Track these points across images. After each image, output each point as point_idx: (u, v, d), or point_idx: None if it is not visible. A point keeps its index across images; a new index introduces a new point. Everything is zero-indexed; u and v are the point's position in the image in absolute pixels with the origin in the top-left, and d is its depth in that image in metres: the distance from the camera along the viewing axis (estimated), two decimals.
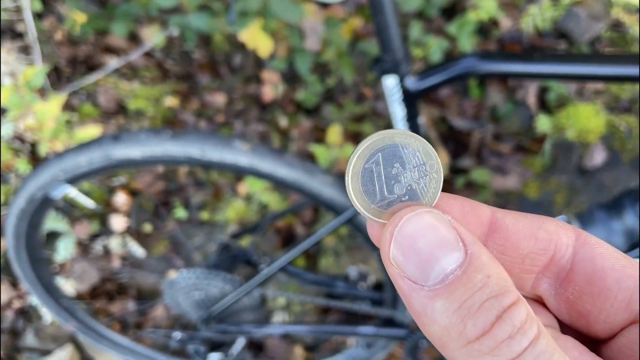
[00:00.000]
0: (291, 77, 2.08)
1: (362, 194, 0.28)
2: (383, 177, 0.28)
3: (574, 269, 0.29)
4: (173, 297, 1.32)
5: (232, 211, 1.79)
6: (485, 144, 2.04)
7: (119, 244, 1.74)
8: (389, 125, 2.00)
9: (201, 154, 1.00)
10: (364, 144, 0.28)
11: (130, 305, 1.76)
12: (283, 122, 2.00)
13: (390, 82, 0.86)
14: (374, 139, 0.28)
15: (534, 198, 1.90)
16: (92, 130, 1.56)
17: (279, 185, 1.04)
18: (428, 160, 0.28)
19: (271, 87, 2.04)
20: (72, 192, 1.12)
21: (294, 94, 2.05)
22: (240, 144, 1.01)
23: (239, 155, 1.00)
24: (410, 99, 0.88)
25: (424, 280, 0.25)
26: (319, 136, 1.96)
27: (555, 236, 0.29)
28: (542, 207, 1.88)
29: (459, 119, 2.08)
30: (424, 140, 0.28)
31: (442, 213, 0.26)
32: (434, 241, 0.25)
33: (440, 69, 0.86)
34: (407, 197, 0.28)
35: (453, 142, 2.08)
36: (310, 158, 1.91)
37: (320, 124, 1.99)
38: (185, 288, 1.27)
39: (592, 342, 0.30)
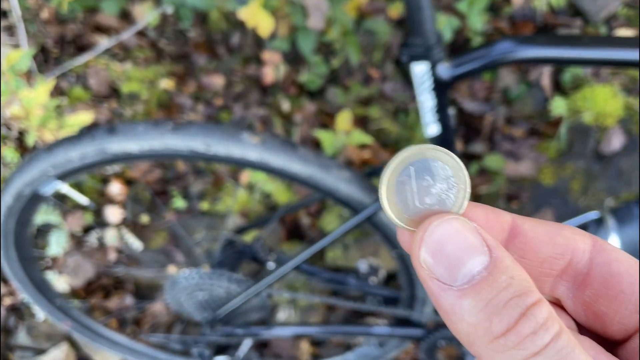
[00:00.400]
0: (293, 58, 1.97)
1: (396, 205, 0.30)
2: (415, 189, 0.30)
3: (590, 273, 0.31)
4: (174, 298, 1.23)
5: (234, 201, 1.70)
6: (497, 127, 1.95)
7: (115, 236, 1.65)
8: (397, 109, 1.90)
9: (206, 148, 0.90)
10: (398, 159, 0.29)
11: (128, 300, 1.67)
12: (285, 105, 1.90)
13: (420, 69, 0.77)
14: (407, 154, 0.29)
15: (549, 184, 1.82)
16: (83, 117, 1.45)
17: (291, 180, 0.95)
18: (456, 173, 0.29)
19: (272, 69, 1.93)
20: (64, 188, 1.02)
21: (296, 76, 1.94)
22: (249, 137, 0.91)
23: (247, 149, 0.90)
24: (442, 88, 0.79)
25: (452, 281, 0.27)
26: (323, 121, 1.86)
27: (572, 242, 0.30)
28: (558, 194, 1.80)
29: (469, 102, 1.99)
30: (453, 154, 0.30)
31: (468, 220, 0.28)
32: (461, 245, 0.27)
33: (475, 55, 0.76)
34: (436, 206, 0.30)
35: (463, 125, 1.99)
36: (315, 144, 1.81)
37: (324, 108, 1.89)
38: (188, 288, 1.18)
39: (609, 344, 0.32)
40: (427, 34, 0.72)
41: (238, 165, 0.94)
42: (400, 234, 0.31)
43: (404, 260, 1.10)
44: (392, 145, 1.81)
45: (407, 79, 1.97)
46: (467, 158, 1.90)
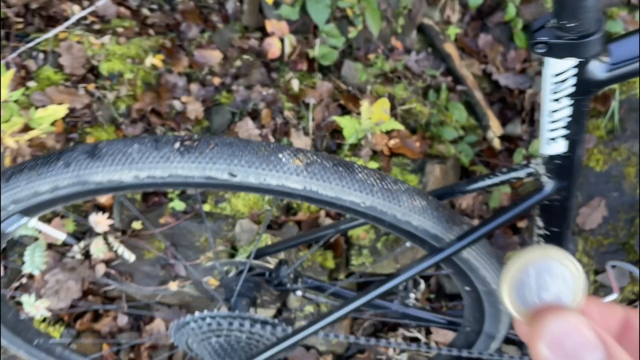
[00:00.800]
0: (303, 28, 1.68)
1: (515, 300, 0.32)
2: (534, 286, 0.32)
3: None
4: (182, 342, 1.00)
5: (241, 202, 1.44)
6: (536, 104, 1.70)
7: (102, 247, 1.39)
8: (427, 86, 1.63)
9: (229, 175, 0.64)
10: (520, 260, 0.32)
11: (122, 321, 1.43)
12: (295, 84, 1.62)
13: (562, 66, 0.51)
14: (528, 257, 0.32)
15: (600, 170, 1.59)
16: (55, 110, 1.18)
17: (345, 212, 0.70)
18: (572, 273, 0.31)
19: (278, 41, 1.64)
20: (32, 223, 0.76)
21: (307, 49, 1.66)
22: (289, 158, 0.65)
23: (287, 175, 0.65)
24: (588, 93, 0.53)
25: None
26: (341, 101, 1.59)
27: None
28: (611, 182, 1.58)
29: (504, 75, 1.73)
30: (570, 255, 0.32)
31: (583, 316, 0.29)
32: (578, 341, 0.28)
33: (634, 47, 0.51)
34: (554, 302, 0.32)
35: (499, 102, 1.73)
36: (333, 132, 1.55)
37: (341, 86, 1.62)
38: (199, 334, 0.94)
39: None
40: (585, 15, 0.46)
41: (273, 195, 0.68)
42: (519, 326, 0.32)
43: (478, 295, 0.87)
44: (421, 129, 1.55)
45: (435, 50, 1.70)
46: (508, 141, 1.65)
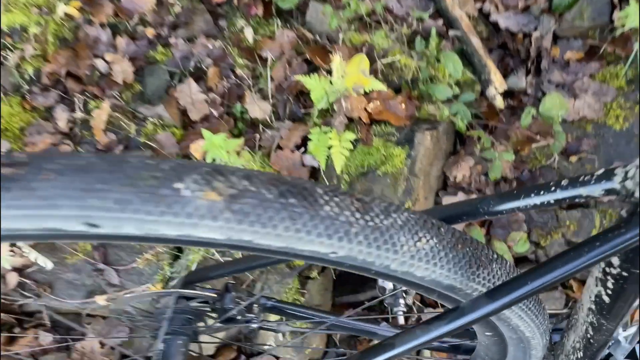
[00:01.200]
0: None
1: None
2: None
3: None
4: None
5: None
6: (543, 48, 1.41)
7: (8, 256, 1.10)
8: (414, 33, 1.32)
9: (86, 226, 0.35)
10: None
11: (46, 339, 1.16)
12: (249, 34, 1.30)
13: None
14: None
15: (621, 129, 1.33)
16: None
17: (308, 262, 0.42)
18: None
19: None
20: None
21: None
22: (197, 188, 0.36)
23: (195, 220, 0.36)
24: None
25: None
26: (306, 55, 1.27)
27: None
28: (633, 142, 1.32)
29: (504, 14, 1.42)
30: None
31: None
32: None
33: None
34: None
35: (500, 49, 1.44)
36: (298, 94, 1.25)
37: (307, 35, 1.30)
38: None
39: None
40: None
41: (176, 244, 0.39)
42: None
43: (503, 340, 0.62)
44: (407, 88, 1.26)
45: None
46: (509, 96, 1.37)
